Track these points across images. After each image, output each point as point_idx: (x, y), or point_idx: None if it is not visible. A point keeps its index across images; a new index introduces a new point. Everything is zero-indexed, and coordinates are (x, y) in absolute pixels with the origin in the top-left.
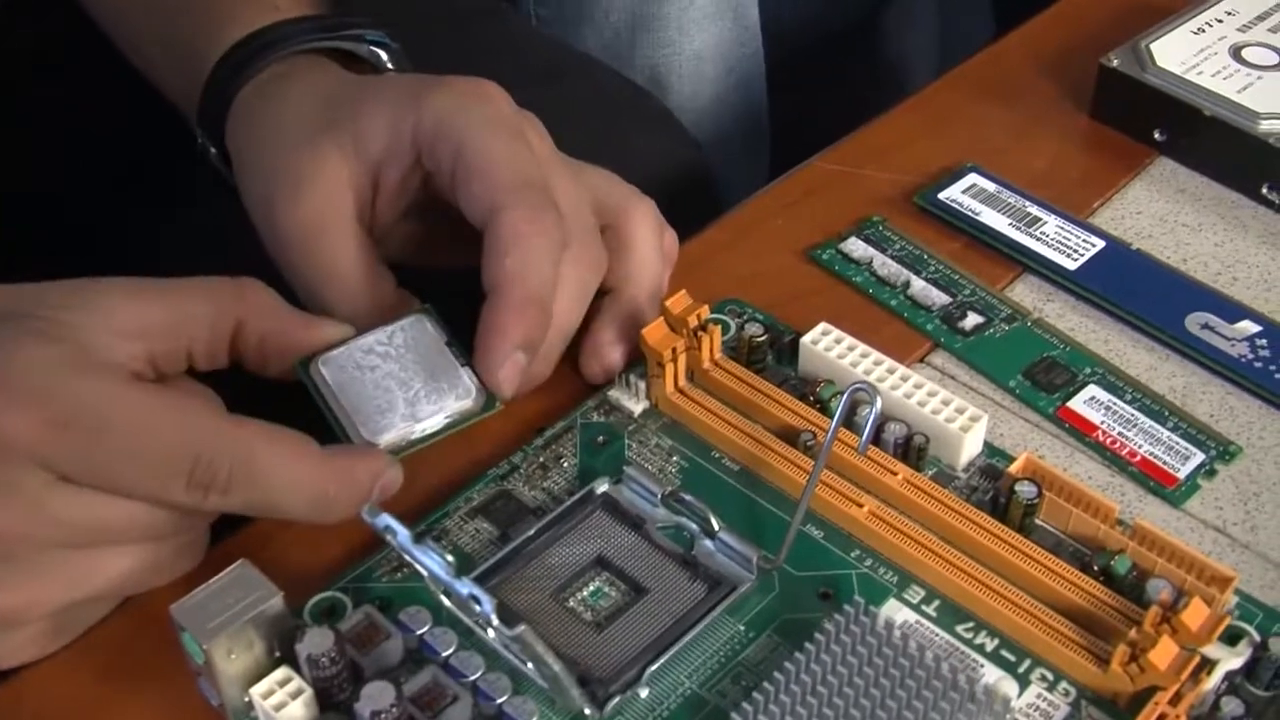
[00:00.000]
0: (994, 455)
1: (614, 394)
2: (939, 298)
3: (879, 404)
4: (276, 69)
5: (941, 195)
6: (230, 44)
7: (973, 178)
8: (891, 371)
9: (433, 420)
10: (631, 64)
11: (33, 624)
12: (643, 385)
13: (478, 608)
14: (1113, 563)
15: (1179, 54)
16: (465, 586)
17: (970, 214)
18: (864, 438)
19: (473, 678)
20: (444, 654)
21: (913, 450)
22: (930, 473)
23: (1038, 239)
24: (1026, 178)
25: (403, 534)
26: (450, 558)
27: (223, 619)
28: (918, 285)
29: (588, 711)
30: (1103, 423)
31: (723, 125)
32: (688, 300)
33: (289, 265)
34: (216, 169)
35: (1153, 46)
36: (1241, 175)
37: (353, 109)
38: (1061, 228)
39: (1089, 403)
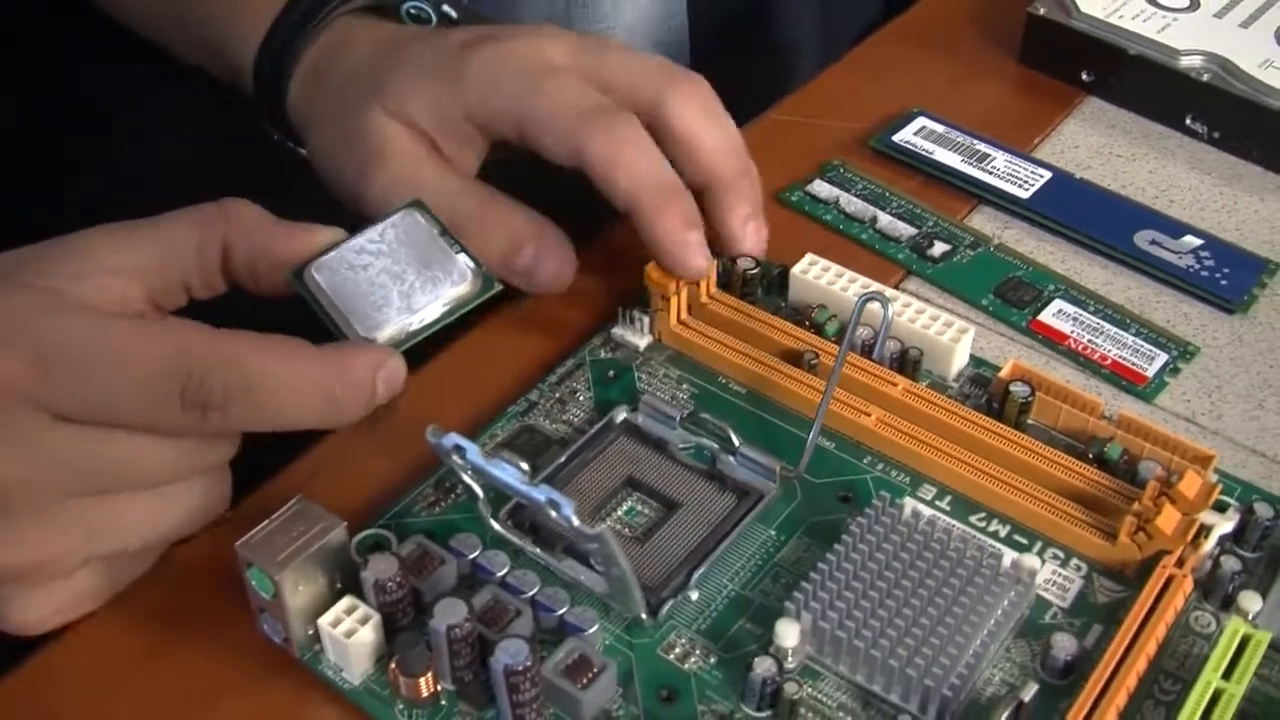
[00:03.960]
0: (980, 365)
1: (617, 331)
2: (905, 230)
3: (890, 310)
4: (341, 29)
5: (895, 138)
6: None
7: (921, 120)
8: (879, 293)
9: (430, 309)
10: None
11: (65, 580)
12: (646, 321)
13: (554, 513)
14: (1105, 449)
15: (1100, 0)
16: (542, 492)
17: (924, 153)
18: (881, 336)
19: (531, 593)
20: (499, 574)
21: (908, 363)
22: (924, 384)
23: (989, 173)
24: (967, 121)
25: (473, 449)
26: (525, 465)
27: (289, 551)
28: (884, 220)
29: (644, 616)
30: (1072, 332)
31: None
32: None
33: None
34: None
35: None
36: (1166, 108)
37: (395, 86)
38: (1010, 162)
39: (1057, 315)
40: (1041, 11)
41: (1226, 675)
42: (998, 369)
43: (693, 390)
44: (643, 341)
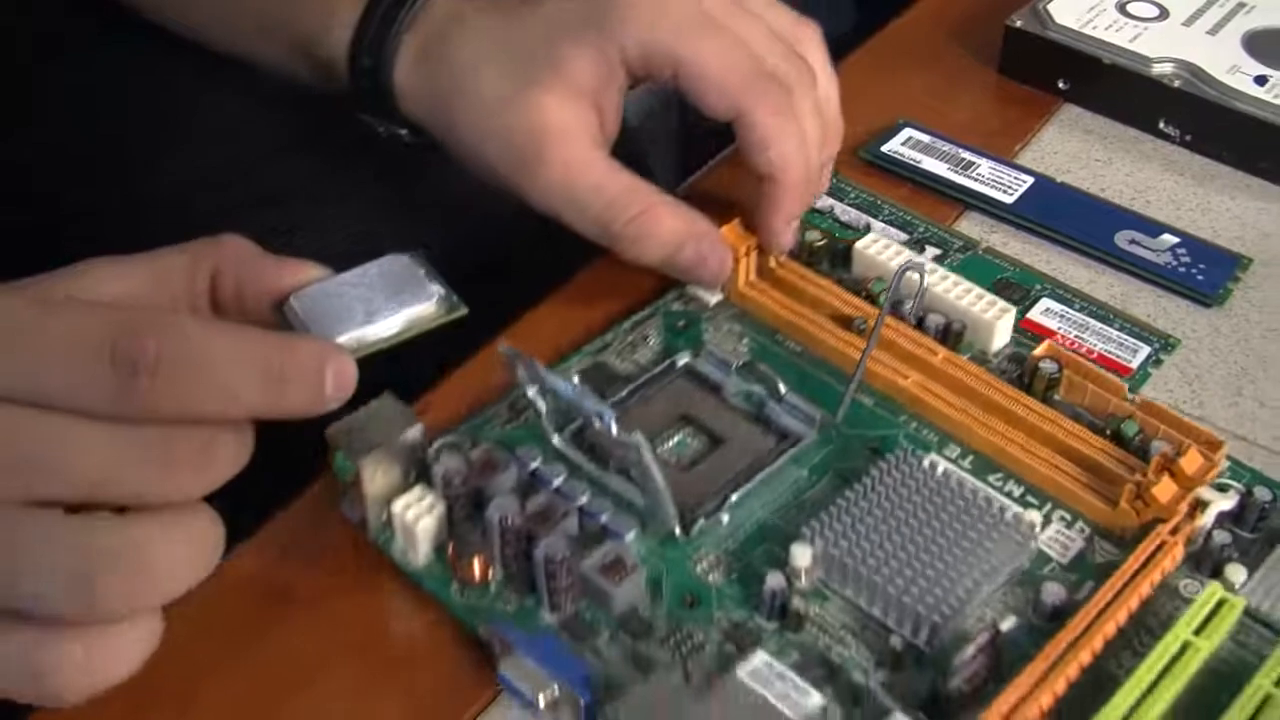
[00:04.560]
0: (1020, 345)
1: (692, 288)
2: (897, 235)
3: (926, 277)
4: (440, 9)
5: (884, 149)
6: None
7: (908, 131)
8: (932, 271)
9: (389, 323)
10: None
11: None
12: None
13: (598, 422)
14: (1122, 426)
15: (1073, 12)
16: (590, 400)
17: (912, 163)
18: (916, 303)
19: (580, 501)
20: (554, 482)
21: (951, 335)
22: (966, 356)
23: (975, 180)
24: (952, 130)
25: (533, 361)
26: (576, 378)
27: (371, 440)
28: (877, 226)
29: (677, 531)
30: (1060, 328)
31: (646, 102)
32: None
33: (566, 218)
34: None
35: (1050, 7)
36: (1141, 114)
37: (550, 54)
38: (994, 169)
39: (1045, 313)
40: (1019, 24)
41: (1198, 633)
42: (1036, 347)
43: (752, 344)
44: (713, 299)
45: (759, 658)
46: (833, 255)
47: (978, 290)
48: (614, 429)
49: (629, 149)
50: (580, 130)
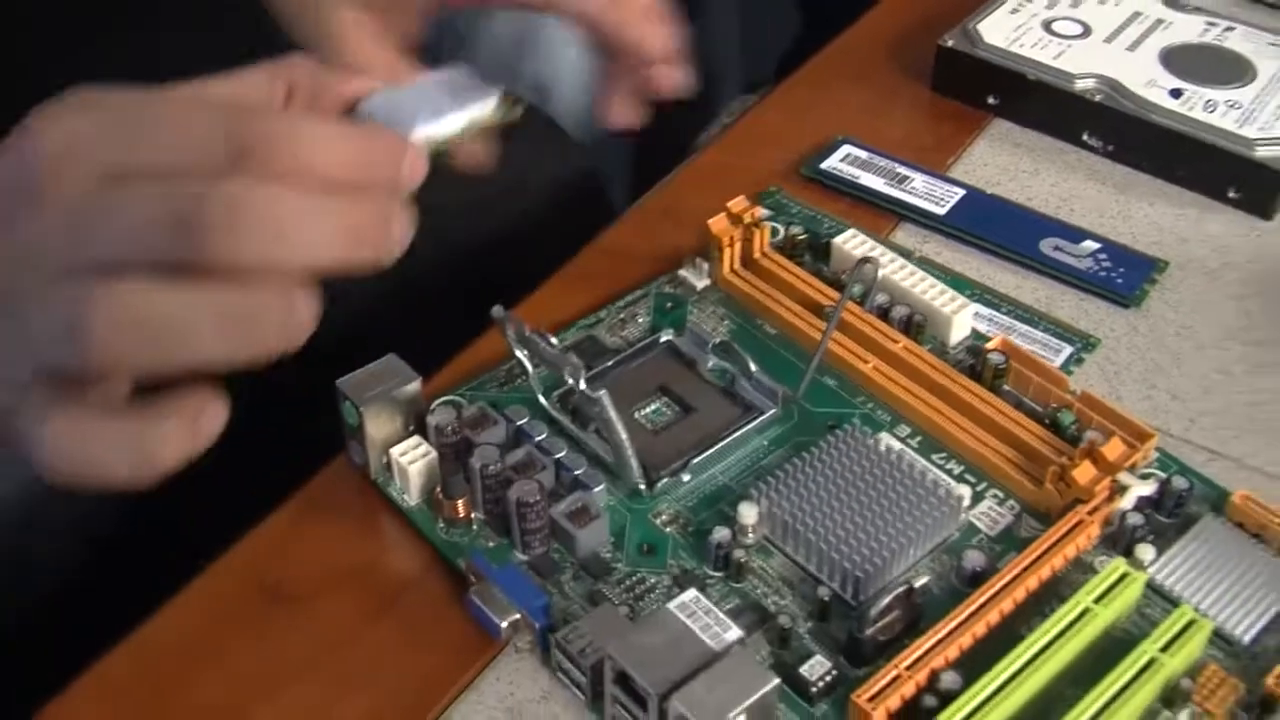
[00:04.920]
0: (979, 339)
1: (683, 272)
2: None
3: (879, 271)
4: None
5: (823, 165)
6: None
7: (847, 148)
8: (901, 267)
9: (453, 120)
10: (522, 78)
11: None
12: (706, 266)
13: (570, 378)
14: (1059, 414)
15: (1001, 31)
16: (563, 359)
17: (850, 178)
18: (872, 294)
19: (558, 455)
20: (537, 438)
21: (913, 326)
22: (927, 347)
23: (909, 193)
24: (887, 145)
25: (520, 322)
26: (555, 339)
27: (375, 392)
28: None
29: (642, 487)
30: (989, 331)
31: (599, 128)
32: (745, 202)
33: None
34: None
35: (979, 27)
36: (1065, 126)
37: None
38: (927, 182)
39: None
40: (950, 43)
41: (1099, 602)
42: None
43: (731, 326)
44: (701, 283)
45: (689, 594)
46: (814, 249)
47: (941, 286)
48: (583, 384)
49: (584, 164)
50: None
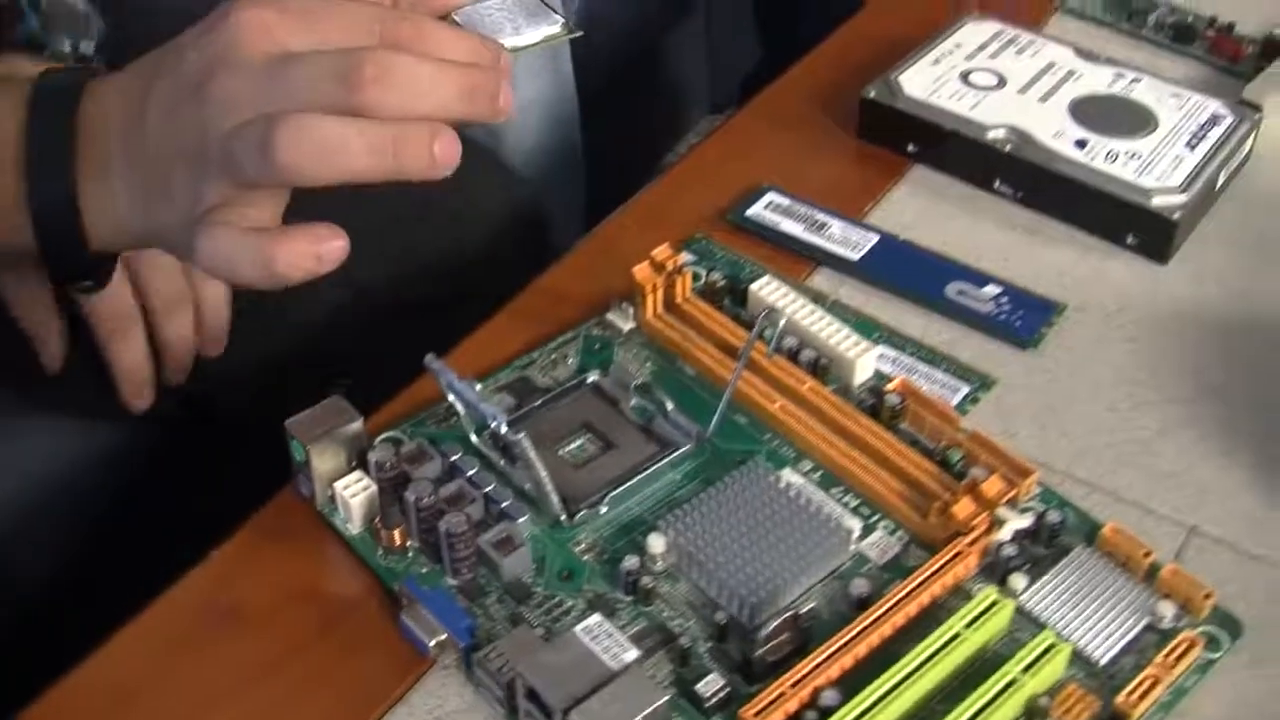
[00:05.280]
0: (881, 379)
1: (610, 316)
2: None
3: (782, 321)
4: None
5: (748, 212)
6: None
7: (771, 195)
8: (811, 312)
9: (531, 35)
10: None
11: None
12: (632, 310)
13: (492, 422)
14: (948, 453)
15: (921, 83)
16: (486, 405)
17: (772, 225)
18: (772, 343)
19: (487, 489)
20: (469, 472)
21: (820, 369)
22: (833, 387)
23: (826, 239)
24: (813, 190)
25: (450, 372)
26: (479, 386)
27: (320, 431)
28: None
29: (562, 518)
30: (891, 371)
31: (550, 162)
32: (669, 250)
33: None
34: None
35: (900, 78)
36: (978, 174)
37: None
38: (844, 228)
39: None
40: (872, 95)
41: (969, 627)
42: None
43: (654, 368)
44: (627, 326)
45: (594, 618)
46: (734, 294)
47: (846, 331)
48: (503, 428)
49: (532, 203)
50: None
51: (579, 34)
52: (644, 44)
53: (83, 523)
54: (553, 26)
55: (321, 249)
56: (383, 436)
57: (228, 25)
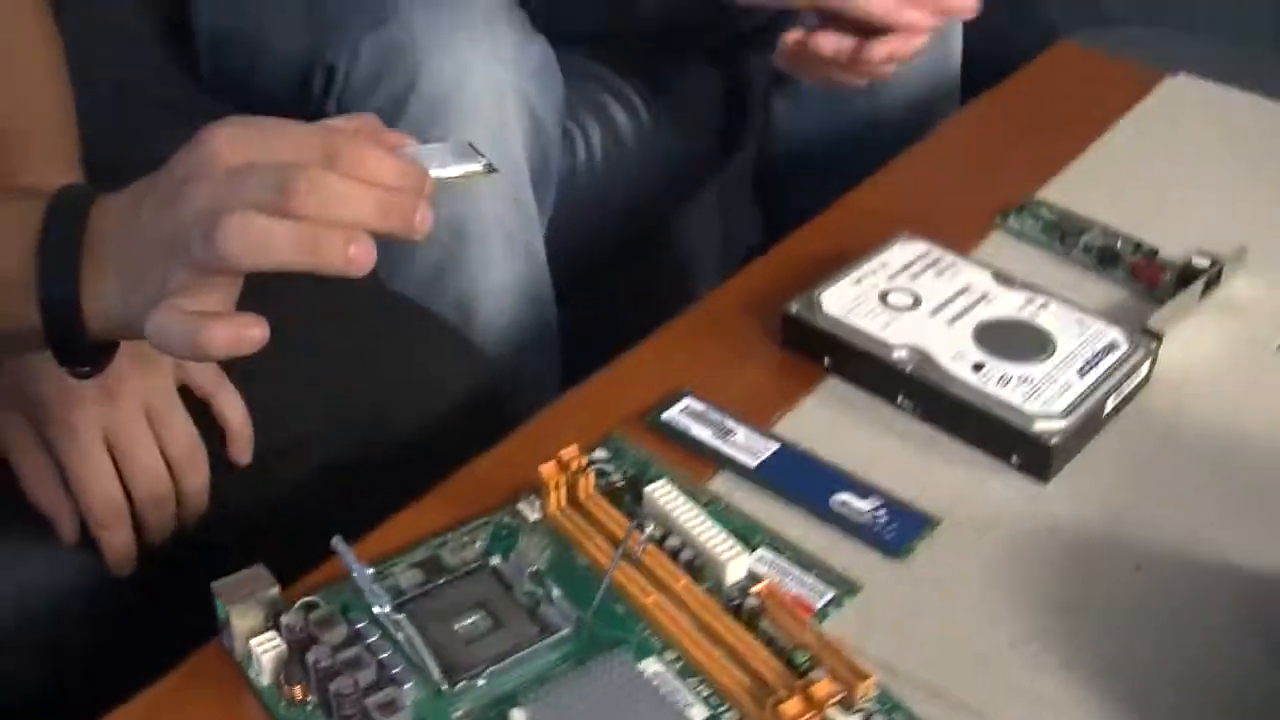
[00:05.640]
0: (753, 580)
1: (520, 506)
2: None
3: (651, 526)
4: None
5: (664, 416)
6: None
7: (688, 400)
8: (695, 515)
9: (454, 170)
10: (444, 296)
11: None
12: (539, 503)
13: (376, 606)
14: (794, 654)
15: (841, 301)
16: (375, 588)
17: (683, 430)
18: (643, 541)
19: (382, 656)
20: (369, 639)
21: (696, 568)
22: (707, 584)
23: (730, 445)
24: (733, 395)
25: (351, 558)
26: (371, 570)
27: (241, 594)
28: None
29: (443, 686)
30: (767, 573)
31: (521, 342)
32: (575, 451)
33: None
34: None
35: (823, 296)
36: (883, 389)
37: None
38: (748, 436)
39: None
40: (794, 310)
41: None
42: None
43: (551, 556)
44: (534, 516)
45: None
46: (634, 492)
47: (725, 535)
48: (387, 609)
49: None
50: None
51: (496, 172)
52: (655, 218)
53: (47, 650)
54: (475, 165)
55: (243, 333)
56: (301, 601)
57: (203, 144)
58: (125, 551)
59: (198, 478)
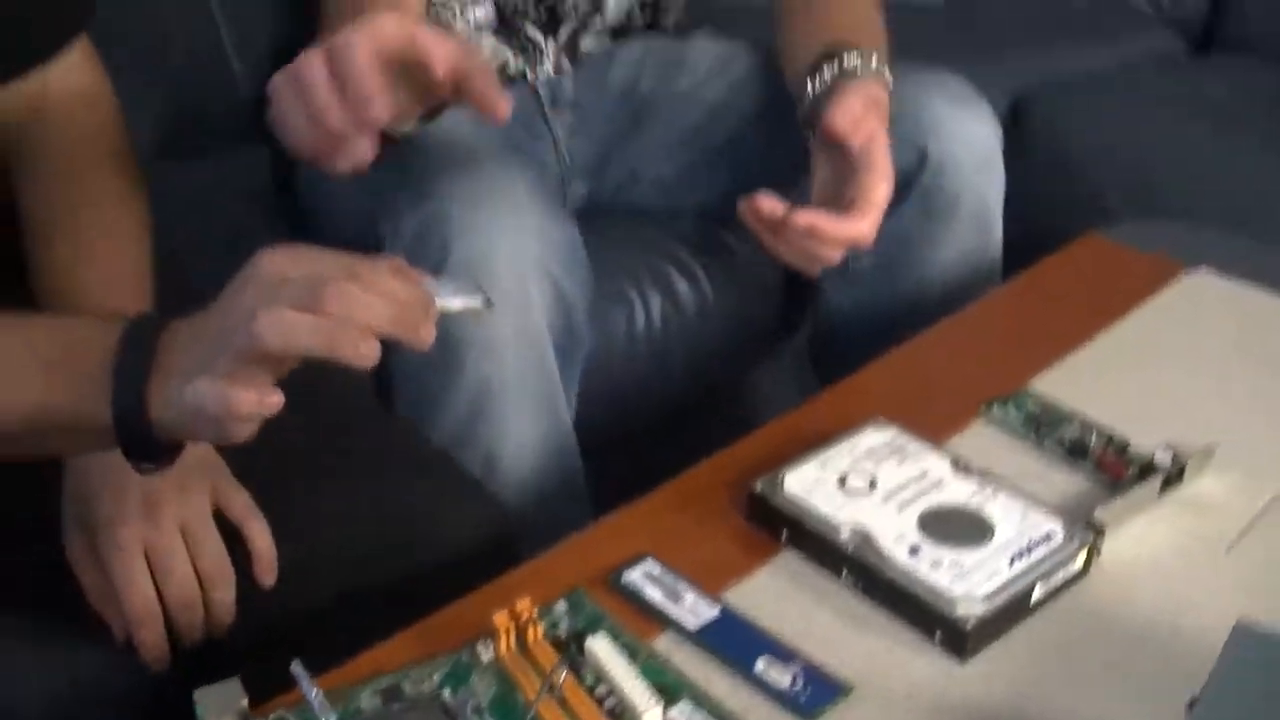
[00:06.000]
0: None
1: (479, 647)
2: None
3: (566, 673)
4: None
5: (624, 578)
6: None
7: (648, 564)
8: (627, 669)
9: (458, 301)
10: (473, 448)
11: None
12: (493, 644)
13: None
14: None
15: (803, 482)
16: (327, 709)
17: (638, 590)
18: (558, 687)
19: None
20: None
21: (616, 714)
22: None
23: (677, 607)
24: (693, 560)
25: (307, 685)
26: (324, 699)
27: (217, 704)
28: (592, 643)
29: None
30: None
31: (545, 495)
32: (527, 603)
33: None
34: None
35: (787, 476)
36: (830, 564)
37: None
38: (695, 601)
39: (678, 712)
40: (759, 489)
41: None
42: None
43: (495, 694)
44: (488, 656)
45: None
46: (578, 644)
47: (644, 687)
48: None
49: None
50: None
51: (493, 307)
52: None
53: None
54: (475, 301)
55: (266, 400)
56: (272, 715)
57: (256, 263)
58: (159, 648)
59: (225, 592)
